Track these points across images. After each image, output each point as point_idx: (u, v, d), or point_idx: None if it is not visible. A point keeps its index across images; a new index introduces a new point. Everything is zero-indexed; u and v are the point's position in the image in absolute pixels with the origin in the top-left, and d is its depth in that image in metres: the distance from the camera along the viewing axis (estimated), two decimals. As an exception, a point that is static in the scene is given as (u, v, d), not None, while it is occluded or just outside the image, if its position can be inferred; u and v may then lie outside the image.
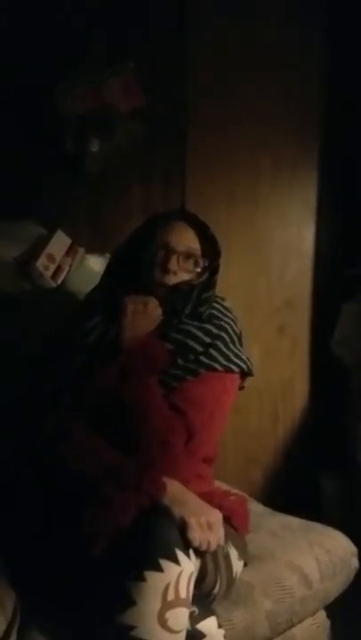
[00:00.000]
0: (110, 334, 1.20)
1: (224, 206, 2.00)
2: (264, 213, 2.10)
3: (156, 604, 0.88)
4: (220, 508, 1.12)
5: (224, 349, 1.25)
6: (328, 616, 1.37)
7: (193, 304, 1.26)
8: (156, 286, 1.24)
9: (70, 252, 1.64)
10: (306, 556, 1.28)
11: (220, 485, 1.38)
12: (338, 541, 1.35)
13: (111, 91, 1.64)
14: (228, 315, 1.33)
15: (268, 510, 1.52)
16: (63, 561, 1.03)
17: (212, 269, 1.31)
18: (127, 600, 0.89)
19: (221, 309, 1.32)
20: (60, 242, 1.63)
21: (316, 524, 1.42)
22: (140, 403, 1.12)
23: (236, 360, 1.26)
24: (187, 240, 1.27)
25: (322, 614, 1.35)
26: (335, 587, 1.30)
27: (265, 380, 2.09)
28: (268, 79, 2.04)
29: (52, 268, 1.58)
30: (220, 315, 1.30)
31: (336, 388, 2.17)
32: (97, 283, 1.38)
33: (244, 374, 1.30)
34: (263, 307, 2.12)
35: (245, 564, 1.20)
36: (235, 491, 1.37)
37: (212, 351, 1.23)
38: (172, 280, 1.24)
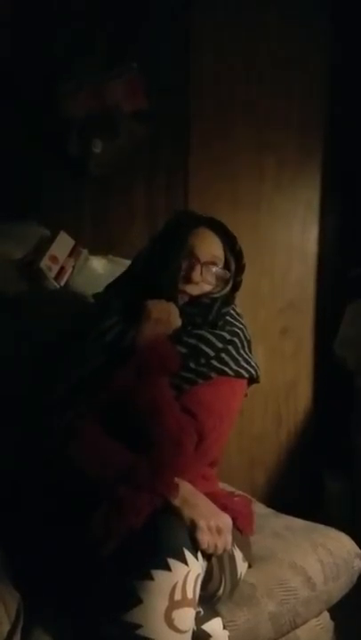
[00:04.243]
0: (128, 337, 1.19)
1: (227, 208, 2.00)
2: (267, 215, 2.10)
3: (162, 604, 0.88)
4: (224, 508, 1.11)
5: (235, 354, 1.25)
6: (332, 617, 1.36)
7: (211, 318, 1.26)
8: (177, 294, 1.23)
9: (73, 253, 1.64)
10: (309, 557, 1.27)
11: (224, 487, 1.38)
12: (341, 543, 1.34)
13: (114, 92, 1.65)
14: (241, 320, 1.33)
15: (271, 511, 1.51)
16: (68, 560, 1.03)
17: (235, 285, 1.31)
18: (134, 598, 0.88)
19: (234, 314, 1.32)
20: (63, 243, 1.63)
21: (319, 525, 1.41)
22: (153, 403, 1.12)
23: (246, 365, 1.26)
24: (212, 250, 1.27)
25: (326, 615, 1.34)
26: (339, 588, 1.29)
27: (269, 381, 2.09)
28: (271, 80, 2.04)
29: (56, 269, 1.57)
30: (232, 320, 1.30)
31: (340, 390, 2.17)
32: (113, 280, 1.37)
33: (252, 381, 1.30)
34: (267, 308, 2.12)
35: (250, 566, 1.20)
36: (239, 492, 1.37)
37: (224, 356, 1.23)
38: (195, 290, 1.24)
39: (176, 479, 1.03)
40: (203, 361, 1.21)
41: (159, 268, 1.24)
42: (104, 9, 1.73)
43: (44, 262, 1.55)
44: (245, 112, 2.01)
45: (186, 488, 1.03)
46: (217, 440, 1.19)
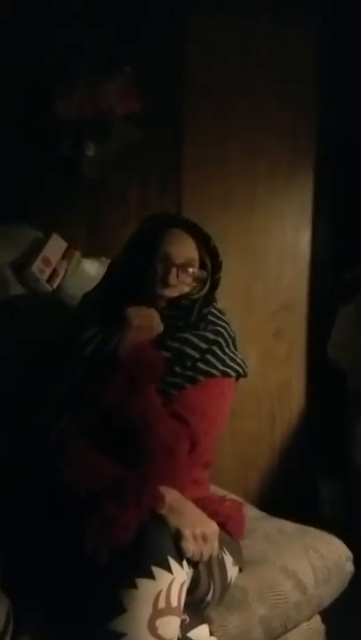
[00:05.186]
0: (110, 346, 1.18)
1: (220, 210, 2.00)
2: (260, 217, 2.09)
3: (146, 612, 0.88)
4: (215, 514, 1.11)
5: (220, 354, 1.25)
6: (323, 621, 1.36)
7: (193, 320, 1.25)
8: (156, 299, 1.23)
9: (66, 255, 1.64)
10: (301, 560, 1.27)
11: (215, 491, 1.38)
12: (333, 546, 1.34)
13: (108, 95, 1.65)
14: (223, 318, 1.32)
15: (262, 514, 1.51)
16: (67, 563, 1.03)
17: (213, 283, 1.30)
18: (118, 607, 0.88)
19: (216, 313, 1.31)
20: (55, 245, 1.63)
21: (310, 528, 1.41)
22: (143, 413, 1.12)
23: (232, 364, 1.26)
24: (186, 251, 1.25)
25: (317, 619, 1.34)
26: (330, 592, 1.30)
27: (262, 383, 2.09)
28: (265, 83, 2.04)
29: (48, 271, 1.57)
30: (215, 319, 1.30)
31: (333, 392, 2.17)
32: (90, 289, 1.37)
33: (239, 376, 1.30)
34: (260, 311, 2.12)
35: (240, 570, 1.19)
36: (231, 496, 1.37)
37: (209, 357, 1.23)
38: (173, 293, 1.23)
39: (162, 488, 1.02)
40: (189, 364, 1.21)
41: (135, 273, 1.24)
42: (104, 9, 1.72)
43: (37, 265, 1.55)
44: (240, 114, 2.01)
45: (173, 496, 1.03)
46: (210, 444, 1.20)
